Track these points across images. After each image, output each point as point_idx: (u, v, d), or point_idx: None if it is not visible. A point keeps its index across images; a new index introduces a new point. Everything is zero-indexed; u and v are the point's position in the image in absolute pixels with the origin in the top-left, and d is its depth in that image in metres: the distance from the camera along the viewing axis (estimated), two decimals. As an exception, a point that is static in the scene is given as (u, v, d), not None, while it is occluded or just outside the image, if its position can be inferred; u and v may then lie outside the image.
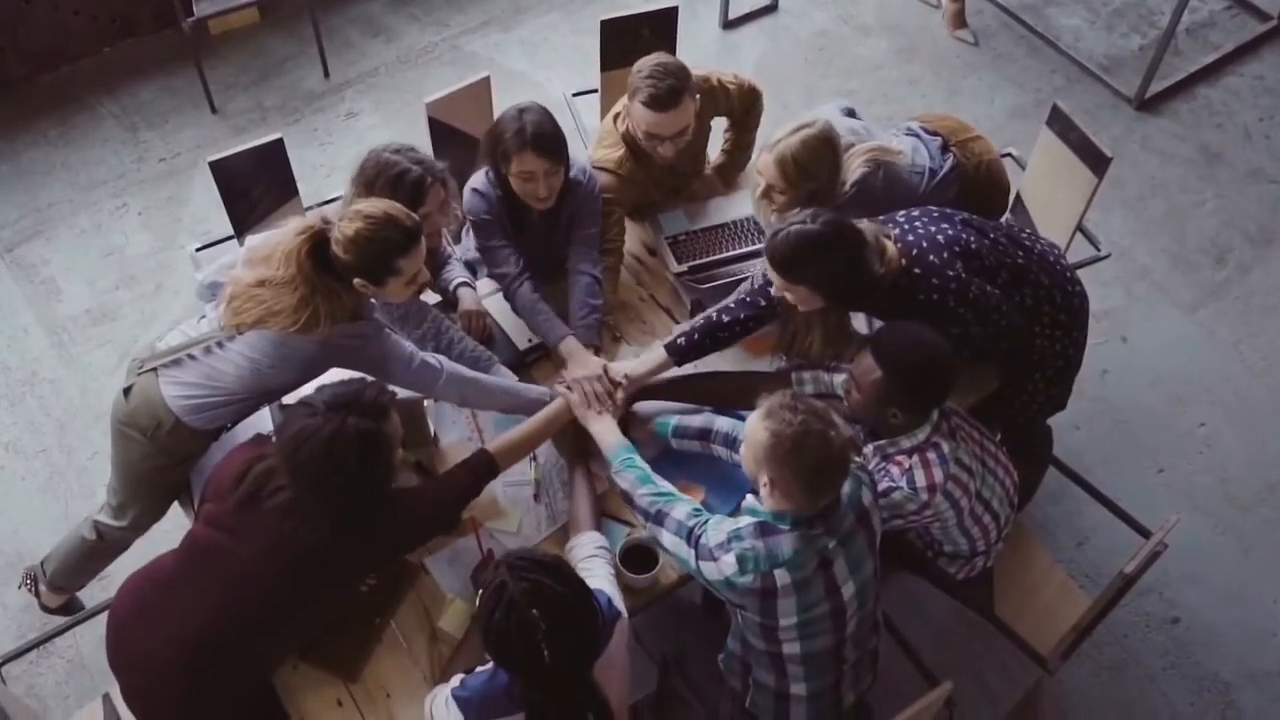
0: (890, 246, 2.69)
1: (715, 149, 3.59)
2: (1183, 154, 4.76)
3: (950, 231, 2.74)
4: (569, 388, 2.80)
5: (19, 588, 3.32)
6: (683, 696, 2.85)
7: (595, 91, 3.85)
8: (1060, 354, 2.94)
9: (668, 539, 2.43)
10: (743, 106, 3.39)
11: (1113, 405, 3.96)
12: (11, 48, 4.73)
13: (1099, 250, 3.54)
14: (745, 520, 2.34)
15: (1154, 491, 3.75)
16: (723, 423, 2.73)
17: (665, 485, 2.52)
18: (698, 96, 3.11)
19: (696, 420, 2.79)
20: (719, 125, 3.49)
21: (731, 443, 2.67)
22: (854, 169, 3.00)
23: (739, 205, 3.39)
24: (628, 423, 2.88)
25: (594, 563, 2.42)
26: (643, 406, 2.94)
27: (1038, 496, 3.56)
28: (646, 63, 3.05)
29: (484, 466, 2.59)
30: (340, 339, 2.57)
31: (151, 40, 5.01)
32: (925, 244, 2.71)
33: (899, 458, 2.59)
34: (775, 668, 2.44)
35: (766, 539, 2.29)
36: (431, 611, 2.61)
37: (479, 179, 3.06)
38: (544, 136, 2.90)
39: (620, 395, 2.82)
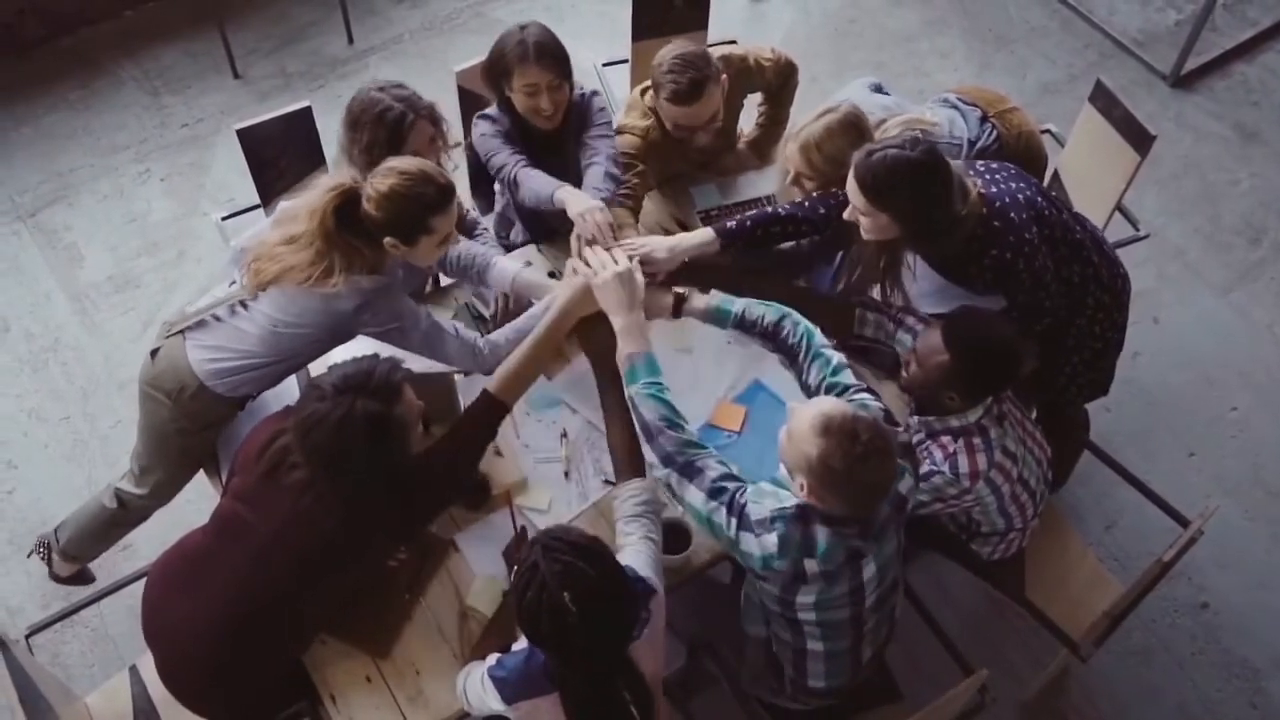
0: (973, 190, 2.59)
1: (746, 123, 3.54)
2: (1218, 132, 4.68)
3: (1028, 193, 2.68)
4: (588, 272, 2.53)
5: (28, 555, 3.31)
6: (712, 674, 2.83)
7: (626, 62, 3.79)
8: (1099, 336, 2.90)
9: (696, 497, 2.27)
10: (778, 81, 3.34)
11: (1144, 387, 3.92)
12: (32, 10, 4.67)
13: (1137, 230, 3.49)
14: (789, 501, 2.26)
15: (1184, 475, 3.71)
16: (801, 324, 2.46)
17: (692, 430, 2.34)
18: (724, 77, 3.05)
19: (770, 313, 2.49)
20: (751, 99, 3.43)
21: (806, 352, 2.44)
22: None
23: (772, 180, 3.34)
24: (679, 304, 2.60)
25: (635, 525, 2.32)
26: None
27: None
28: (665, 56, 3.00)
29: (489, 408, 2.48)
30: (351, 293, 2.54)
31: (173, 3, 4.94)
32: (1008, 199, 2.63)
33: (944, 439, 2.56)
34: (791, 628, 2.42)
35: (806, 527, 2.23)
36: (462, 589, 2.59)
37: (489, 110, 3.08)
38: (546, 47, 2.91)
39: (643, 259, 2.63)
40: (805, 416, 2.18)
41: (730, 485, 2.27)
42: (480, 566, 2.62)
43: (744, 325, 2.51)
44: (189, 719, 2.52)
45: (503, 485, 2.70)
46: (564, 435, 2.82)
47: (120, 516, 3.07)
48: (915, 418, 2.61)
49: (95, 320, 4.04)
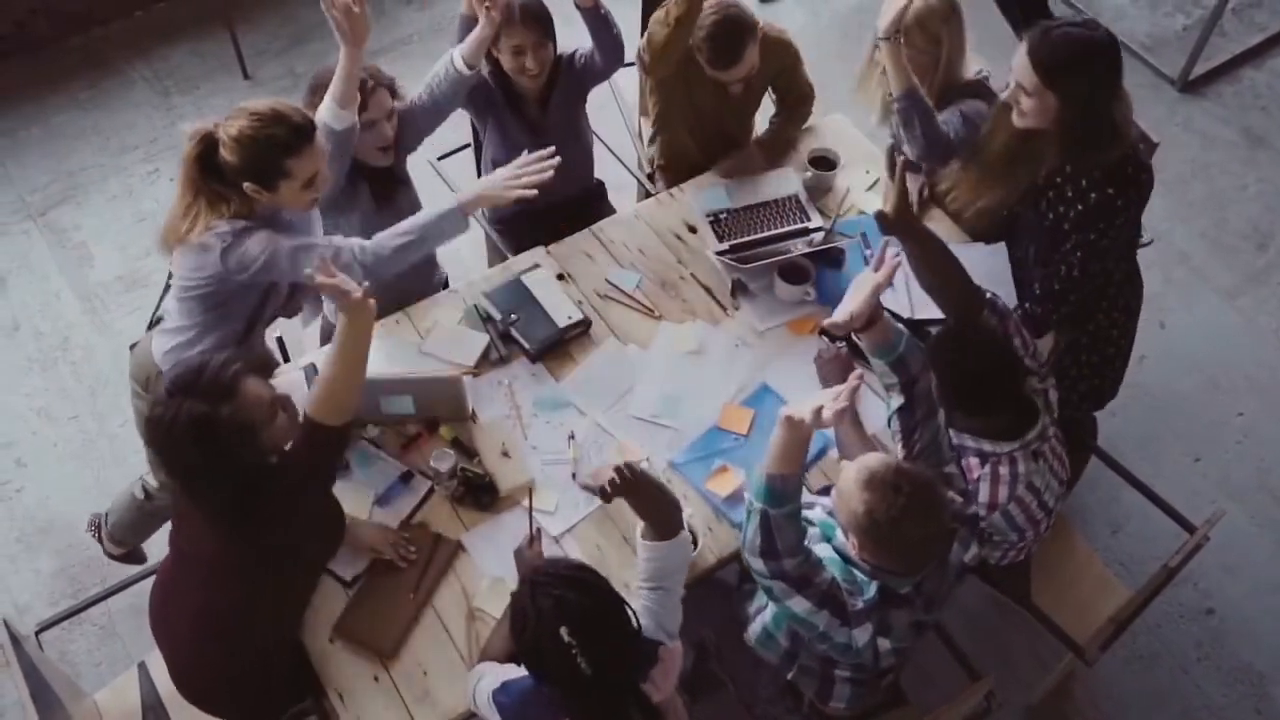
0: (1134, 125, 2.47)
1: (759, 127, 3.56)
2: (1225, 137, 4.68)
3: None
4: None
5: (85, 530, 3.32)
6: (718, 676, 2.84)
7: (634, 64, 3.79)
8: (1113, 341, 2.91)
9: (801, 605, 2.21)
10: (790, 62, 3.38)
11: (1149, 392, 3.92)
12: (43, 9, 4.70)
13: (1142, 236, 3.48)
14: (871, 588, 2.23)
15: (1190, 480, 3.71)
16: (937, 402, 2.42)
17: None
18: (760, 30, 3.11)
19: (925, 378, 2.38)
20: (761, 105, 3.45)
21: (928, 414, 2.43)
22: (975, 66, 2.96)
23: (781, 184, 3.34)
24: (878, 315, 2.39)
25: (648, 585, 2.25)
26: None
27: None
28: (705, 18, 3.04)
29: (309, 432, 2.20)
30: (215, 239, 2.46)
31: (183, 3, 4.97)
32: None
33: (972, 460, 2.50)
34: (822, 662, 2.44)
35: (885, 613, 2.23)
36: (469, 590, 2.60)
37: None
38: (531, 8, 3.04)
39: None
40: (851, 472, 2.16)
41: (837, 591, 2.23)
42: (488, 567, 2.62)
43: (899, 361, 2.43)
44: (197, 716, 2.54)
45: (510, 487, 2.71)
46: (571, 437, 2.82)
47: (148, 508, 3.12)
48: (950, 430, 2.54)
49: (104, 320, 4.05)
